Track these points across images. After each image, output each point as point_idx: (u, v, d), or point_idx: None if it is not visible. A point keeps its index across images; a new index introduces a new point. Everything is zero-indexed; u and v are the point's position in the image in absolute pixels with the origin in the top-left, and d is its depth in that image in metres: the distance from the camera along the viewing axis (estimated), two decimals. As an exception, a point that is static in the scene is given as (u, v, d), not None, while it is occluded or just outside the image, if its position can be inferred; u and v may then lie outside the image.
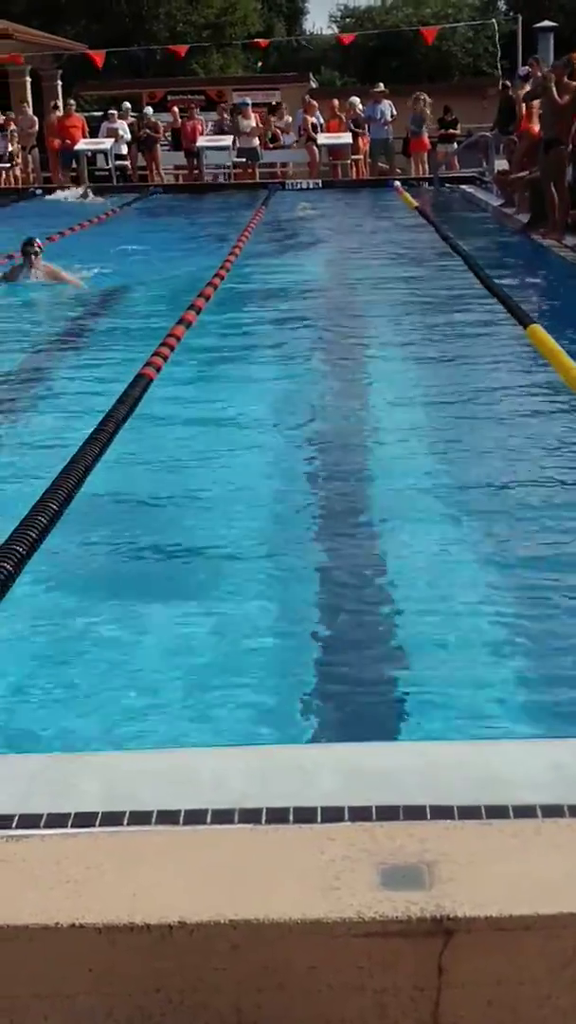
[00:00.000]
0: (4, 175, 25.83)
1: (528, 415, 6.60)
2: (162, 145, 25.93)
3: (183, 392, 7.32)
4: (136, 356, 7.81)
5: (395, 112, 24.30)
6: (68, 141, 25.09)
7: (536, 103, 15.61)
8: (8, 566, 3.91)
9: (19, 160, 26.03)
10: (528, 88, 16.87)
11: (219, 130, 25.34)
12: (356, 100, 25.15)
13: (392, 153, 25.02)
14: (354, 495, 5.40)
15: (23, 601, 4.03)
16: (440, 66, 39.85)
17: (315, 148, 24.94)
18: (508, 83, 20.50)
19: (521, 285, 10.99)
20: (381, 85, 25.04)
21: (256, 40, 35.01)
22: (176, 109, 26.46)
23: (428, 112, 23.97)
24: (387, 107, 24.31)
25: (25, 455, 6.05)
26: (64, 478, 5.07)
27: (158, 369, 7.52)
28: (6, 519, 4.45)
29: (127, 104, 27.10)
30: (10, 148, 25.51)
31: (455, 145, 24.43)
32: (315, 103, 25.45)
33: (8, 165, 25.87)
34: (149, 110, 26.28)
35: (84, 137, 25.25)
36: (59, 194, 23.71)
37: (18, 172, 26.03)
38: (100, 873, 2.27)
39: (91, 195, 23.13)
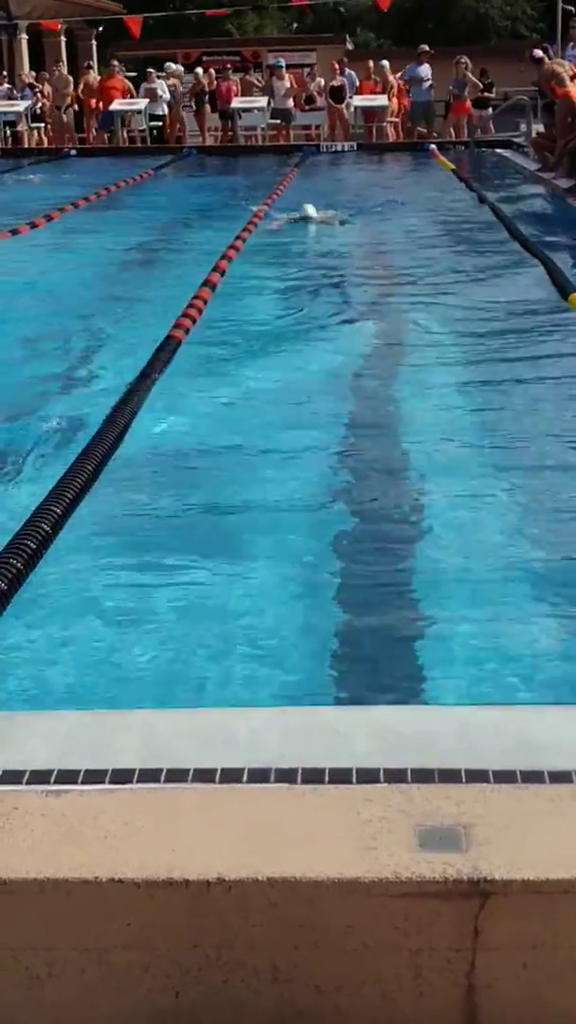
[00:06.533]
0: (37, 134, 25.81)
1: (570, 384, 6.54)
2: (185, 107, 25.65)
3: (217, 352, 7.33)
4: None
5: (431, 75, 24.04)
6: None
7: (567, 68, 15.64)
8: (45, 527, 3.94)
9: (50, 120, 25.94)
10: None
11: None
12: (386, 64, 24.90)
13: (432, 116, 24.76)
14: (389, 460, 5.37)
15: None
16: (477, 29, 39.44)
17: (338, 110, 24.69)
18: (547, 46, 20.29)
19: (563, 252, 10.85)
20: (425, 46, 24.67)
21: (293, 2, 34.70)
22: (212, 71, 26.16)
23: (471, 76, 23.67)
24: (427, 69, 24.01)
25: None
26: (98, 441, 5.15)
27: (186, 331, 7.57)
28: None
29: (171, 64, 26.84)
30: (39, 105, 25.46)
31: (491, 109, 24.17)
32: (336, 66, 25.18)
33: (41, 125, 25.83)
34: (199, 70, 25.85)
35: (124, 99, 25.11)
36: None
37: (51, 132, 25.95)
38: (138, 829, 2.29)
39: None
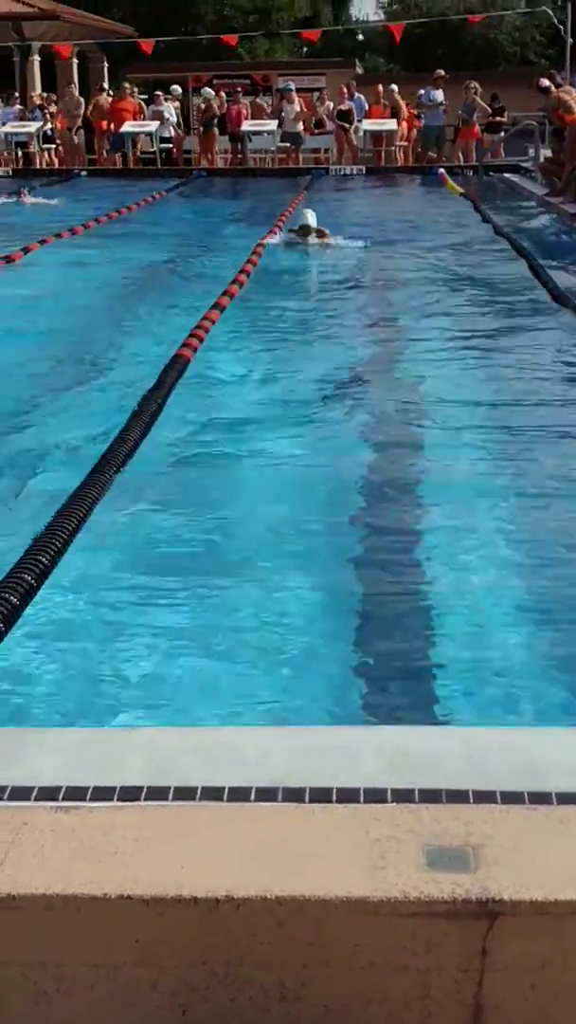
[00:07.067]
0: (48, 155, 25.92)
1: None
2: (193, 130, 25.70)
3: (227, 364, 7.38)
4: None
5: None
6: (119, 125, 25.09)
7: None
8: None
9: (61, 141, 26.05)
10: None
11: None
12: (395, 88, 25.05)
13: (444, 141, 24.87)
14: (400, 489, 5.34)
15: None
16: (487, 54, 39.56)
17: (345, 135, 24.80)
18: (553, 72, 20.39)
19: (572, 275, 10.90)
20: (441, 71, 24.78)
21: (303, 32, 34.88)
22: (223, 94, 26.27)
23: (480, 101, 23.79)
24: (441, 93, 24.10)
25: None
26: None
27: (194, 350, 7.61)
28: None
29: (176, 87, 27.00)
30: (49, 126, 25.59)
31: (502, 133, 24.27)
32: (345, 90, 25.29)
33: (52, 146, 25.96)
34: (210, 91, 25.99)
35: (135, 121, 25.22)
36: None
37: (63, 153, 26.06)
38: (148, 845, 2.29)
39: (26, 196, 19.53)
